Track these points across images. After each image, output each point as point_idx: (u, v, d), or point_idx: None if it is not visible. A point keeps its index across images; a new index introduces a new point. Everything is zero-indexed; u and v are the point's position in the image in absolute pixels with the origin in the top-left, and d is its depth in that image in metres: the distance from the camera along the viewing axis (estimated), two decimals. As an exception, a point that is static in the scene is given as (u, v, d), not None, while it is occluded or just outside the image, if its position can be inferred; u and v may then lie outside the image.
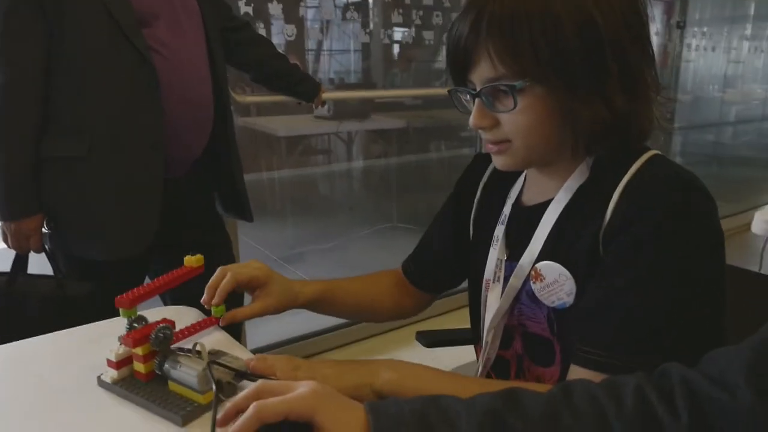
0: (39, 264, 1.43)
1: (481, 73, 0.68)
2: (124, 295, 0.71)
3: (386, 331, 2.47)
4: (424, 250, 1.00)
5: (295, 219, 3.16)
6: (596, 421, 0.51)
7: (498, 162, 0.75)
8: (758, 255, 1.87)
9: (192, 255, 0.85)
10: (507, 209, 0.82)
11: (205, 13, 1.46)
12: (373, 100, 3.02)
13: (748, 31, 4.29)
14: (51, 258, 1.39)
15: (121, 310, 0.71)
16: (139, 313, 0.73)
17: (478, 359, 0.89)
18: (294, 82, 1.84)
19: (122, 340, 0.70)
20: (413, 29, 2.40)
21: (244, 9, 1.89)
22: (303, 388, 0.54)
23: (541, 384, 0.74)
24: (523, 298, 0.76)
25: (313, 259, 3.08)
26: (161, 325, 0.69)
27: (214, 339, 0.84)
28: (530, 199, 0.80)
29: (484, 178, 0.89)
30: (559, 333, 0.74)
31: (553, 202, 0.74)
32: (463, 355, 1.08)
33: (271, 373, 0.70)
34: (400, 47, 2.58)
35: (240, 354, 0.77)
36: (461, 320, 0.98)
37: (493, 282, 0.81)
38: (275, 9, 1.93)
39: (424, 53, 2.73)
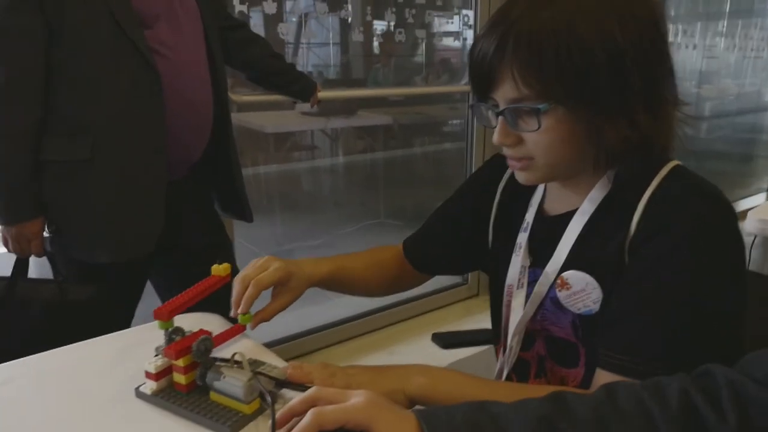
0: (37, 268, 1.41)
1: (505, 93, 0.69)
2: (161, 307, 0.71)
3: (381, 328, 2.50)
4: (430, 235, 1.01)
5: (282, 215, 3.15)
6: (643, 424, 0.52)
7: (520, 177, 0.77)
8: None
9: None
10: (530, 217, 0.84)
11: (204, 13, 1.45)
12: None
13: (723, 28, 4.40)
14: (52, 261, 1.38)
15: (158, 323, 0.72)
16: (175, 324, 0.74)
17: (497, 359, 0.91)
18: (290, 81, 1.83)
19: (164, 351, 0.70)
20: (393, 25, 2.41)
21: (239, 8, 1.87)
22: (359, 397, 0.56)
23: (561, 387, 0.76)
24: (548, 305, 0.79)
25: (302, 256, 3.06)
26: (202, 336, 0.70)
27: (244, 346, 0.84)
28: (553, 209, 0.82)
29: (503, 182, 0.91)
30: (583, 337, 0.76)
31: (577, 213, 0.76)
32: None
33: (309, 381, 0.71)
34: (381, 42, 2.58)
35: (272, 360, 0.78)
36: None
37: (517, 288, 0.83)
38: (270, 7, 1.91)
39: (403, 48, 2.74)
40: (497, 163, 0.93)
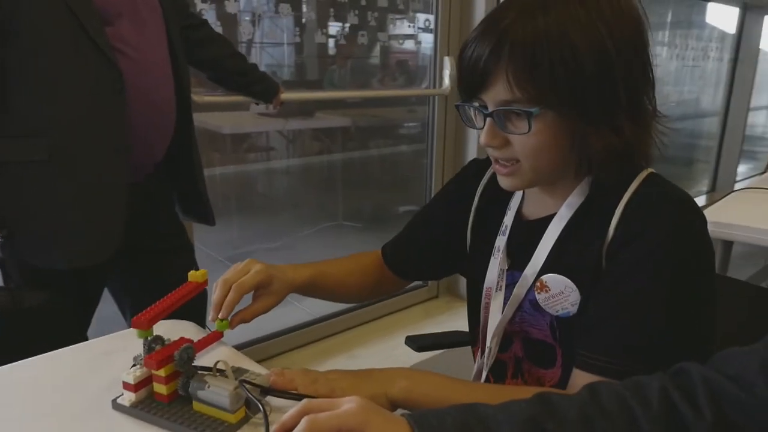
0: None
1: (496, 95, 0.70)
2: (140, 315, 0.69)
3: (341, 332, 2.49)
4: (408, 241, 1.02)
5: (240, 218, 3.09)
6: (626, 423, 0.54)
7: (505, 182, 0.78)
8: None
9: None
10: (508, 220, 0.86)
11: (166, 11, 1.41)
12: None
13: (665, 38, 4.60)
14: (3, 267, 1.31)
15: (137, 332, 0.69)
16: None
17: (474, 360, 0.92)
18: (252, 81, 1.81)
19: (144, 361, 0.68)
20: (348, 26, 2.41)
21: (200, 6, 1.83)
22: (350, 403, 0.56)
23: (539, 387, 0.78)
24: (526, 307, 0.80)
25: (260, 259, 3.02)
26: (185, 345, 0.68)
27: (222, 354, 0.82)
28: (532, 213, 0.84)
29: (481, 186, 0.92)
30: (561, 339, 0.78)
31: (555, 217, 0.78)
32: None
33: (292, 387, 0.70)
34: (338, 43, 2.57)
35: (252, 367, 0.77)
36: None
37: (495, 291, 0.84)
38: (232, 7, 1.88)
39: (360, 50, 2.75)
40: (475, 168, 0.95)
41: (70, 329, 1.34)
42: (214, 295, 0.82)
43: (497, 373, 0.87)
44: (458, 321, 1.13)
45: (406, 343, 1.08)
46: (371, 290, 1.02)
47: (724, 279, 1.13)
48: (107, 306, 1.51)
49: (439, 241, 0.97)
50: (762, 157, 5.74)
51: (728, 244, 1.59)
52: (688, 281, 0.69)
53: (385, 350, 2.35)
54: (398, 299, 2.63)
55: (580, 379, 0.71)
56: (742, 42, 4.93)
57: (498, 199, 0.89)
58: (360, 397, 0.57)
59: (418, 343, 1.06)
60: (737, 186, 4.65)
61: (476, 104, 0.74)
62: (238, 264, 0.85)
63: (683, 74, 5.04)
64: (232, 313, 0.82)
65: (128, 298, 1.52)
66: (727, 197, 1.84)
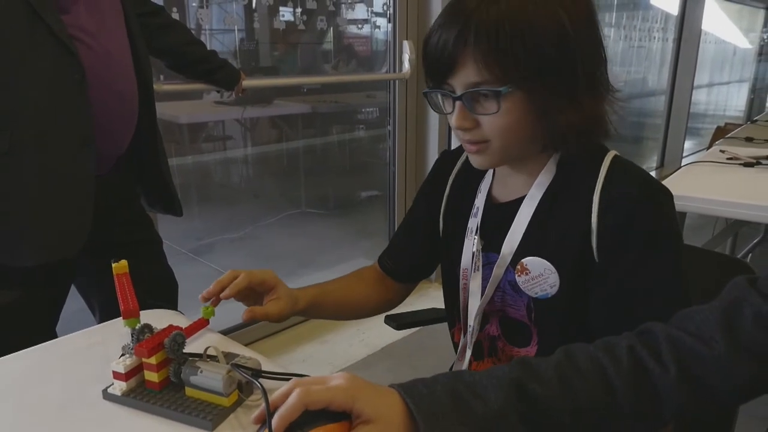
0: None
1: (465, 78, 0.72)
2: (129, 305, 0.69)
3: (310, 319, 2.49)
4: (397, 246, 1.04)
5: (201, 209, 3.05)
6: (599, 379, 0.59)
7: (476, 161, 0.80)
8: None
9: (117, 260, 0.78)
10: (479, 202, 0.88)
11: (123, -2, 1.37)
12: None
13: (612, 19, 4.73)
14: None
15: (126, 321, 0.69)
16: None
17: (454, 340, 0.95)
18: (213, 68, 1.78)
19: (135, 350, 0.68)
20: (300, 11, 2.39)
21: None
22: (339, 379, 0.57)
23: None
24: (506, 287, 0.83)
25: (224, 250, 3.00)
26: (175, 332, 0.68)
27: (210, 340, 0.83)
28: (503, 195, 0.86)
29: (453, 174, 0.95)
30: (536, 319, 0.82)
31: (526, 198, 0.81)
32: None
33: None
34: (291, 29, 2.55)
35: (240, 351, 0.78)
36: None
37: (473, 271, 0.87)
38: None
39: (314, 36, 2.73)
40: (445, 160, 0.97)
41: (40, 327, 1.31)
42: (222, 277, 0.82)
43: (475, 352, 0.90)
44: (428, 302, 1.16)
45: (385, 322, 1.10)
46: (376, 302, 1.02)
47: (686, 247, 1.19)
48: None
49: (425, 237, 0.99)
50: (705, 133, 5.99)
51: (682, 216, 1.67)
52: (680, 250, 0.76)
53: (356, 334, 2.37)
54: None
55: None
56: (685, 23, 5.11)
57: (468, 184, 0.91)
58: (348, 374, 0.59)
59: (397, 321, 1.09)
60: (684, 162, 4.85)
61: (444, 89, 0.76)
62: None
63: (630, 54, 5.19)
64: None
65: (96, 294, 1.49)
66: (677, 172, 1.92)
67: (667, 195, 0.76)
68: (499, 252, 0.82)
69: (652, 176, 0.77)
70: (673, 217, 0.76)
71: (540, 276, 0.79)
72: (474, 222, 0.87)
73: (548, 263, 0.78)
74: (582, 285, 0.77)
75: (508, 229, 0.82)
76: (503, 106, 0.72)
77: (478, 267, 0.86)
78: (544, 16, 0.69)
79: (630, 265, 0.74)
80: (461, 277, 0.89)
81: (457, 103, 0.74)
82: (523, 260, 0.80)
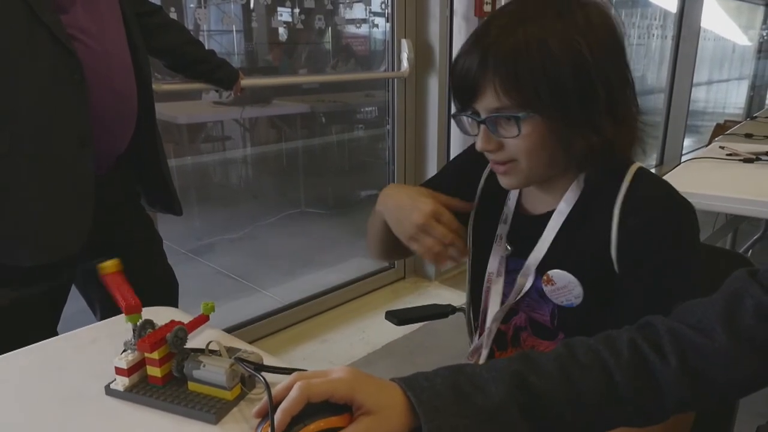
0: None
1: (487, 104, 0.75)
2: (131, 300, 0.69)
3: (310, 317, 2.50)
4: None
5: (200, 209, 3.05)
6: (600, 372, 0.59)
7: (504, 181, 0.82)
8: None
9: (111, 258, 0.77)
10: (508, 210, 0.90)
11: (121, -2, 1.37)
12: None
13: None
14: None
15: (128, 317, 0.69)
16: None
17: (472, 338, 0.96)
18: (212, 68, 1.79)
19: (137, 345, 0.68)
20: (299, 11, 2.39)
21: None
22: (340, 372, 0.58)
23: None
24: (533, 293, 0.85)
25: (224, 250, 3.00)
26: (177, 327, 0.68)
27: (210, 336, 0.82)
28: (532, 208, 0.88)
29: (484, 176, 0.95)
30: (559, 324, 0.83)
31: (555, 212, 0.83)
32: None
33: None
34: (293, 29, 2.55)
35: (241, 346, 0.78)
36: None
37: (497, 276, 0.88)
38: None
39: (313, 36, 2.73)
40: (477, 155, 0.97)
41: (40, 327, 1.31)
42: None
43: (498, 341, 0.91)
44: (427, 299, 1.16)
45: (386, 317, 1.10)
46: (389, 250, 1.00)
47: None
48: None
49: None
50: (704, 131, 5.99)
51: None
52: (697, 267, 0.76)
53: (355, 333, 2.37)
54: (366, 282, 2.66)
55: None
56: (684, 20, 5.12)
57: (499, 188, 0.92)
58: (348, 367, 0.59)
59: (398, 317, 1.09)
60: (684, 159, 4.85)
61: (470, 113, 0.78)
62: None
63: (629, 52, 5.19)
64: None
65: (97, 292, 1.49)
66: (677, 168, 1.92)
67: (689, 209, 0.76)
68: (524, 261, 0.84)
69: (675, 189, 0.78)
70: (694, 229, 0.76)
71: (565, 287, 0.81)
72: (504, 228, 0.89)
73: (572, 276, 0.80)
74: (606, 296, 0.78)
75: (536, 241, 0.83)
76: (524, 129, 0.74)
77: (502, 272, 0.88)
78: (562, 45, 0.71)
79: (649, 274, 0.75)
80: (486, 279, 0.90)
81: (482, 126, 0.77)
82: (549, 272, 0.82)
